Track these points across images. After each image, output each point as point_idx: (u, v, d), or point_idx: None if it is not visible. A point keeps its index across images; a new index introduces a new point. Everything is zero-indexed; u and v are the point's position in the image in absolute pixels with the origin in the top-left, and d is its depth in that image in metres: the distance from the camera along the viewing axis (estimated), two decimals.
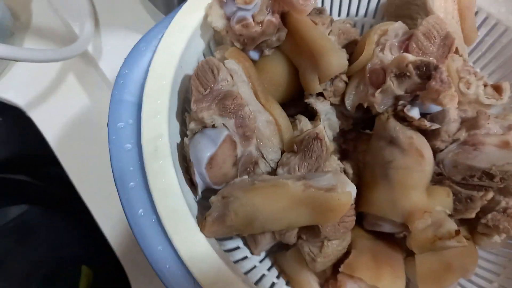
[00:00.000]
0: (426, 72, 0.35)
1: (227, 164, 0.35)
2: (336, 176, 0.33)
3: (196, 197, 0.37)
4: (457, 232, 0.34)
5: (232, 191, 0.33)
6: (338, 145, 0.43)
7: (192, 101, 0.36)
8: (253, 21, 0.38)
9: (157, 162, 0.33)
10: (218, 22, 0.39)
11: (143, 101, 0.35)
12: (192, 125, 0.36)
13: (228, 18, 0.39)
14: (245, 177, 0.35)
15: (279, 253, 0.41)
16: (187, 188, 0.36)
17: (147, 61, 0.38)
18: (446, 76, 0.35)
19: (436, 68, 0.35)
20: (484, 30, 0.48)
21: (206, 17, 0.40)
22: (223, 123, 0.36)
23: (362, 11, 0.53)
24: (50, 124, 0.59)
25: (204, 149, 0.34)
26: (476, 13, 0.48)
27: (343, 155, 0.43)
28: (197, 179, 0.35)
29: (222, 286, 0.29)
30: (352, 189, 0.32)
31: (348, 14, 0.53)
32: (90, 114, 0.61)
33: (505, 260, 0.42)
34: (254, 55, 0.43)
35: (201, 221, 0.32)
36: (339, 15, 0.53)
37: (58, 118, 0.60)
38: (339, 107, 0.42)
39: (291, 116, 0.42)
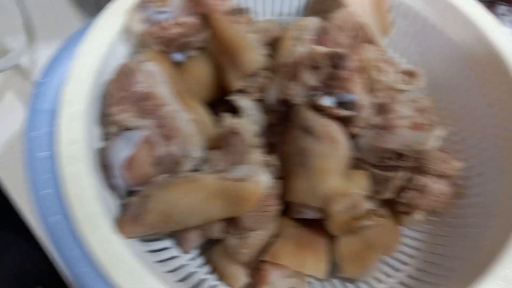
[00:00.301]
0: (336, 62, 0.37)
1: (147, 164, 0.36)
2: (252, 167, 0.34)
3: (120, 200, 0.37)
4: (371, 211, 0.36)
5: (150, 190, 0.34)
6: (266, 139, 0.44)
7: (109, 104, 0.36)
8: (171, 23, 0.39)
9: (72, 167, 0.34)
10: (138, 26, 0.40)
11: (60, 107, 0.36)
12: (110, 129, 0.37)
13: (148, 22, 0.40)
14: (165, 175, 0.36)
15: (211, 249, 0.42)
16: (108, 192, 0.36)
17: (65, 69, 0.38)
18: (355, 64, 0.37)
19: (345, 57, 0.37)
20: (403, 20, 0.50)
21: (126, 22, 0.40)
22: (141, 125, 0.37)
23: (292, 10, 0.54)
24: None
25: (121, 151, 0.35)
26: (399, 6, 0.50)
27: (272, 149, 0.44)
28: (116, 181, 0.35)
29: (134, 283, 0.30)
30: (265, 178, 0.33)
31: (280, 14, 0.54)
32: None
33: (427, 235, 0.44)
34: (179, 57, 0.44)
35: (117, 222, 0.33)
36: (269, 14, 0.54)
37: None
38: (262, 102, 0.43)
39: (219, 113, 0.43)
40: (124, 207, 0.36)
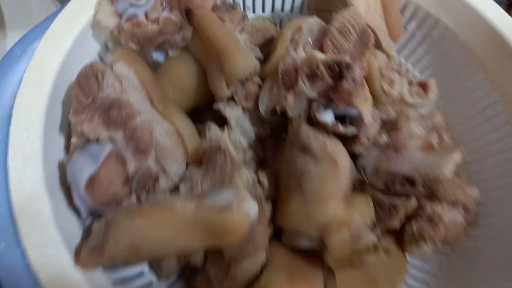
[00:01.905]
0: (338, 72, 0.32)
1: (115, 183, 0.31)
2: (236, 193, 0.29)
3: (84, 223, 0.32)
4: (376, 246, 0.31)
5: (116, 216, 0.29)
6: (255, 153, 0.39)
7: (70, 112, 0.31)
8: (147, 18, 0.34)
9: (25, 186, 0.28)
10: (109, 21, 0.35)
11: (13, 114, 0.30)
12: (73, 140, 0.31)
13: (120, 16, 0.35)
14: (133, 199, 0.31)
15: (193, 277, 0.37)
16: (69, 214, 0.31)
17: (24, 68, 0.33)
18: (360, 75, 0.32)
19: (348, 67, 0.32)
20: (414, 24, 0.45)
21: (95, 15, 0.35)
22: (109, 136, 0.31)
23: (288, 6, 0.49)
24: None
25: (83, 168, 0.30)
26: (405, 6, 0.45)
27: (261, 164, 0.39)
28: (77, 202, 0.30)
29: None
30: (251, 207, 0.28)
31: (273, 10, 0.49)
32: None
33: (436, 267, 0.39)
34: (159, 56, 0.38)
35: (76, 252, 0.28)
36: (263, 10, 0.49)
37: None
38: (253, 112, 0.38)
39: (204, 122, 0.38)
40: (86, 234, 0.30)
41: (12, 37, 0.55)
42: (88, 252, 0.28)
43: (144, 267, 0.36)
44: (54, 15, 0.35)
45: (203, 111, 0.42)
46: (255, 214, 0.29)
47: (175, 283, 0.38)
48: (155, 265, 0.35)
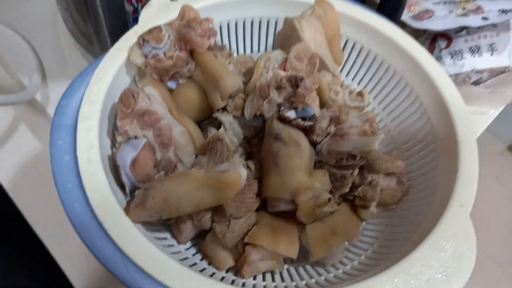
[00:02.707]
0: (295, 83, 0.47)
1: (149, 165, 0.45)
2: (231, 163, 0.44)
3: (126, 197, 0.46)
4: (330, 199, 0.44)
5: (151, 183, 0.43)
6: (244, 149, 0.54)
7: (117, 119, 0.46)
8: (165, 56, 0.50)
9: (90, 167, 0.42)
10: (138, 60, 0.50)
11: (78, 121, 0.45)
12: (119, 138, 0.46)
13: (146, 56, 0.51)
14: (162, 172, 0.45)
15: (202, 241, 0.50)
16: (117, 189, 0.45)
17: (82, 94, 0.48)
18: (310, 84, 0.47)
19: (301, 79, 0.47)
20: (354, 53, 0.62)
21: (129, 56, 0.51)
22: (143, 134, 0.46)
23: (262, 47, 0.66)
24: (3, 169, 0.66)
25: (128, 154, 0.44)
26: (347, 41, 0.62)
27: (249, 157, 0.54)
28: (124, 178, 0.44)
29: (150, 261, 0.37)
30: (242, 171, 0.42)
31: (251, 51, 0.66)
32: (41, 156, 0.68)
33: (383, 226, 0.52)
34: (172, 84, 0.54)
35: (126, 208, 0.41)
36: (244, 51, 0.66)
37: (10, 163, 0.66)
38: (241, 119, 0.53)
39: (206, 129, 0.53)
40: (131, 198, 0.44)
41: (52, 86, 0.70)
42: (134, 205, 0.41)
43: (167, 234, 0.49)
44: (100, 58, 0.50)
45: (204, 122, 0.56)
46: (245, 176, 0.43)
47: (190, 248, 0.50)
48: (176, 230, 0.48)
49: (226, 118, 0.51)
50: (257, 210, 0.50)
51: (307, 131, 0.50)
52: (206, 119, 0.55)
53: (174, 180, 0.41)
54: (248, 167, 0.51)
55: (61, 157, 0.43)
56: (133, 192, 0.45)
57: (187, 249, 0.49)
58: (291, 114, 0.48)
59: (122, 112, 0.46)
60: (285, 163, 0.47)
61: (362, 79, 0.63)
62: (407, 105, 0.57)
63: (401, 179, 0.52)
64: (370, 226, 0.54)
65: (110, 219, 0.40)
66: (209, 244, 0.48)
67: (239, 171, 0.42)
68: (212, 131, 0.51)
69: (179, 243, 0.48)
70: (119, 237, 0.38)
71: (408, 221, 0.50)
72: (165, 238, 0.48)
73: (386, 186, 0.50)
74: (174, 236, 0.48)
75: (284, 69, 0.50)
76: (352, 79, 0.64)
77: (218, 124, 0.53)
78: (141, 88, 0.48)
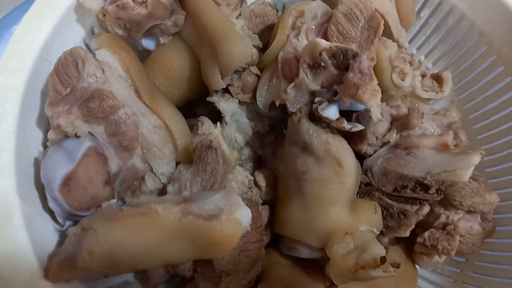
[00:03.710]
0: (344, 62, 0.29)
1: (95, 183, 0.28)
2: (227, 197, 0.26)
3: (61, 227, 0.29)
4: (383, 260, 0.27)
5: (93, 221, 0.26)
6: (253, 150, 0.36)
7: (46, 103, 0.28)
8: (133, 1, 0.31)
9: None
10: (93, 3, 0.31)
11: None
12: (50, 135, 0.28)
13: None
14: (113, 201, 0.28)
15: (181, 286, 0.34)
16: (44, 217, 0.28)
17: (0, 54, 0.30)
18: (368, 66, 0.28)
19: (355, 56, 0.28)
20: (427, 11, 0.42)
21: None
22: (88, 131, 0.28)
23: None
24: None
25: (58, 167, 0.27)
26: None
27: (259, 163, 0.36)
28: (51, 205, 0.27)
29: None
30: (243, 214, 0.25)
31: None
32: None
33: (450, 281, 0.35)
34: (148, 43, 0.36)
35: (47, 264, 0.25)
36: None
37: None
38: (251, 106, 0.35)
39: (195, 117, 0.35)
40: (61, 240, 0.28)
41: None
42: (59, 264, 0.25)
43: (128, 276, 0.33)
44: None
45: (197, 105, 0.38)
46: (248, 222, 0.26)
47: None
48: (142, 274, 0.32)
49: (227, 106, 0.34)
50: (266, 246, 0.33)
51: (353, 137, 0.32)
52: (199, 100, 0.37)
53: (128, 227, 0.25)
54: (256, 184, 0.34)
55: None
56: (72, 220, 0.29)
57: None
58: (331, 112, 0.30)
59: (55, 92, 0.28)
60: (315, 191, 0.30)
61: (440, 56, 0.42)
62: (504, 101, 0.37)
63: (486, 216, 0.34)
64: (426, 274, 0.37)
65: (15, 285, 0.23)
66: None
67: (237, 218, 0.24)
68: (204, 125, 0.33)
69: None
70: None
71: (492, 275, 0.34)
72: (126, 284, 0.32)
73: (466, 230, 0.33)
74: (137, 278, 0.32)
75: (326, 35, 0.31)
76: (426, 56, 0.43)
77: (216, 112, 0.35)
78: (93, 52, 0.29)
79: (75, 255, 0.25)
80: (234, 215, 0.24)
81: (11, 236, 0.25)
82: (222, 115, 0.34)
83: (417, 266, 0.36)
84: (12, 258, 0.25)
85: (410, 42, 0.43)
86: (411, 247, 0.35)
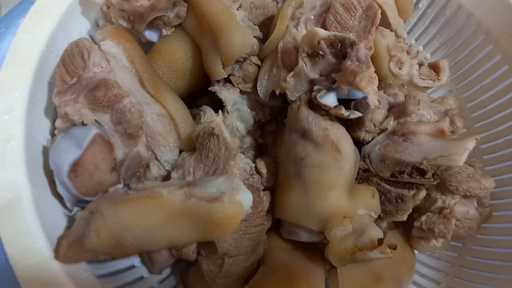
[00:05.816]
0: (341, 50, 0.29)
1: (102, 169, 0.29)
2: (229, 181, 0.27)
3: (70, 212, 0.30)
4: (380, 241, 0.28)
5: (100, 204, 0.27)
6: (254, 139, 0.37)
7: (54, 92, 0.29)
8: None
9: (3, 172, 0.26)
10: None
11: None
12: (58, 124, 0.29)
13: None
14: (120, 185, 0.29)
15: (185, 271, 0.35)
16: (53, 203, 0.29)
17: (7, 46, 0.31)
18: (365, 54, 0.29)
19: (352, 44, 0.29)
20: (425, 2, 0.42)
21: None
22: (95, 119, 0.29)
23: None
24: None
25: (66, 154, 0.28)
26: None
27: (261, 152, 0.37)
28: (60, 190, 0.28)
29: None
30: (244, 197, 0.26)
31: None
32: None
33: (447, 265, 0.36)
34: (152, 35, 0.36)
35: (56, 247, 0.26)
36: None
37: None
38: (252, 95, 0.36)
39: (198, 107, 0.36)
40: (69, 224, 0.29)
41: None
42: (67, 245, 0.26)
43: (135, 260, 0.34)
44: None
45: (200, 95, 0.39)
46: (249, 204, 0.27)
47: (167, 278, 0.36)
48: (147, 259, 0.33)
49: (229, 95, 0.34)
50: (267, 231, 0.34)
51: (351, 124, 0.32)
52: (201, 90, 0.38)
53: (133, 209, 0.26)
54: (257, 171, 0.34)
55: None
56: (80, 205, 0.30)
57: (162, 280, 0.35)
58: (329, 99, 0.30)
59: (62, 81, 0.29)
60: (314, 176, 0.30)
61: (438, 46, 0.43)
62: (502, 90, 0.38)
63: (482, 201, 0.35)
64: (424, 257, 0.38)
65: (27, 266, 0.24)
66: (193, 281, 0.33)
67: (239, 200, 0.25)
68: (207, 114, 0.34)
69: (151, 273, 0.33)
70: None
71: (489, 259, 0.34)
72: (132, 267, 0.33)
73: (462, 214, 0.33)
74: (143, 263, 0.33)
75: (324, 25, 0.32)
76: (424, 47, 0.44)
77: (218, 102, 0.35)
78: (99, 43, 0.30)
79: (83, 236, 0.26)
80: (235, 197, 0.25)
81: (21, 218, 0.26)
82: (223, 104, 0.35)
83: (416, 251, 0.37)
84: (23, 239, 0.26)
85: (408, 32, 0.44)
86: (409, 232, 0.36)
